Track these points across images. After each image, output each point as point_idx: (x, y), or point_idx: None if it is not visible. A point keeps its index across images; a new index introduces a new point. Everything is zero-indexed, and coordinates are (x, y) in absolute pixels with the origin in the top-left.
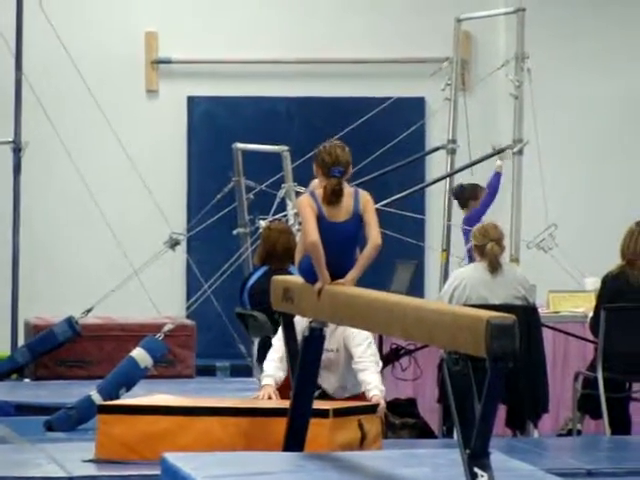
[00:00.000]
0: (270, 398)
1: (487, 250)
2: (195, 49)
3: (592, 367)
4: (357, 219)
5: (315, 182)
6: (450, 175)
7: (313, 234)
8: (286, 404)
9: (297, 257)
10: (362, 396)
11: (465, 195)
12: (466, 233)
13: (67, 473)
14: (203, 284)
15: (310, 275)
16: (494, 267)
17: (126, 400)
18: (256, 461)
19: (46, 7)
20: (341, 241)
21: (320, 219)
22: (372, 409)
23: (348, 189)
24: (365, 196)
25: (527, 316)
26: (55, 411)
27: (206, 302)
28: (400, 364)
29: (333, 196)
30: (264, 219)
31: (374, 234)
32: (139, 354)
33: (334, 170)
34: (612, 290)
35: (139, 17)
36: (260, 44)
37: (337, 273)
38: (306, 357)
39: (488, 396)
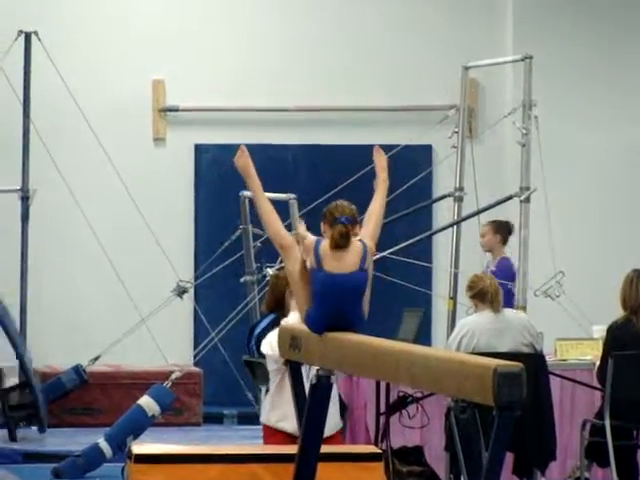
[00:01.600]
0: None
1: (486, 288)
2: (202, 97)
3: (599, 415)
4: (363, 270)
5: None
6: (457, 223)
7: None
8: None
9: (299, 308)
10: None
11: (510, 230)
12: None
13: None
14: (210, 332)
15: (317, 326)
16: (497, 304)
17: (161, 448)
18: None
19: (54, 55)
20: (345, 293)
21: (318, 268)
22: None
23: (356, 242)
24: (370, 246)
25: (534, 363)
26: (63, 459)
27: (213, 350)
28: (407, 412)
29: (340, 239)
30: (271, 267)
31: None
32: (147, 402)
33: (341, 218)
34: (618, 339)
35: (146, 65)
36: (267, 92)
37: (341, 325)
38: (313, 404)
39: (495, 444)
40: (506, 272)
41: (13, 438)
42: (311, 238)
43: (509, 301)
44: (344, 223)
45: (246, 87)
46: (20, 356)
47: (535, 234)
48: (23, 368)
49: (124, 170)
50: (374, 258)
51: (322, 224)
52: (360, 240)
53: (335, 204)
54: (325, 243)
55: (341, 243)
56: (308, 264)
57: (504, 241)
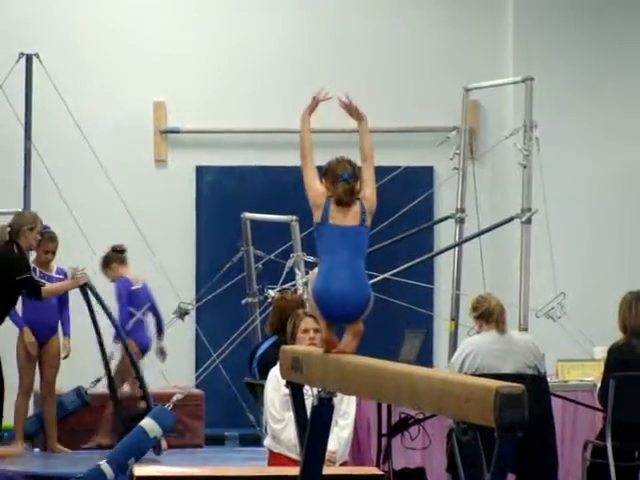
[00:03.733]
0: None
1: (492, 308)
2: (204, 119)
3: (601, 436)
4: (364, 226)
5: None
6: (459, 244)
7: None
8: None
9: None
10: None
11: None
12: None
13: None
14: (212, 353)
15: (322, 294)
16: (502, 325)
17: (163, 469)
18: None
19: (55, 77)
20: (349, 244)
21: (324, 220)
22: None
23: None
24: (367, 199)
25: (536, 385)
26: None
27: (215, 371)
28: (409, 433)
29: (345, 195)
30: (273, 289)
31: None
32: (148, 424)
33: (343, 175)
34: (619, 361)
35: (148, 87)
36: (268, 114)
37: (346, 288)
38: (315, 427)
39: (497, 466)
40: (120, 292)
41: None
42: (324, 190)
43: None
44: (347, 180)
45: (248, 109)
46: None
47: (536, 255)
48: None
49: (125, 192)
50: (378, 279)
51: (323, 180)
52: (358, 199)
53: (336, 160)
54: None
55: (346, 200)
56: (314, 219)
57: (120, 261)
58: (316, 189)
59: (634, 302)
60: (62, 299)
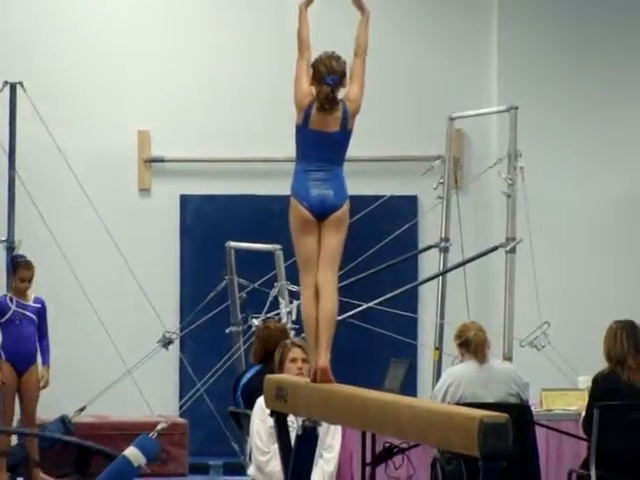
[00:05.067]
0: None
1: (471, 338)
2: (188, 148)
3: (585, 465)
4: (345, 131)
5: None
6: (443, 273)
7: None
8: None
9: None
10: None
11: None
12: None
13: None
14: (196, 382)
15: (300, 190)
16: (481, 356)
17: None
18: None
19: (39, 106)
20: (324, 150)
21: (304, 124)
22: None
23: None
24: (351, 101)
25: (520, 414)
26: None
27: (199, 400)
28: (393, 462)
29: (326, 102)
30: (257, 317)
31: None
32: (132, 453)
33: (327, 78)
34: (603, 390)
35: (132, 116)
36: (252, 142)
37: (317, 190)
38: (299, 456)
39: None
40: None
41: None
42: (310, 92)
43: None
44: (330, 84)
45: (232, 137)
46: None
47: (521, 284)
48: None
49: (109, 220)
50: (362, 308)
51: (310, 76)
52: (341, 100)
53: (324, 59)
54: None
55: (327, 106)
56: (296, 120)
57: None
58: (301, 89)
59: (619, 331)
60: (41, 328)
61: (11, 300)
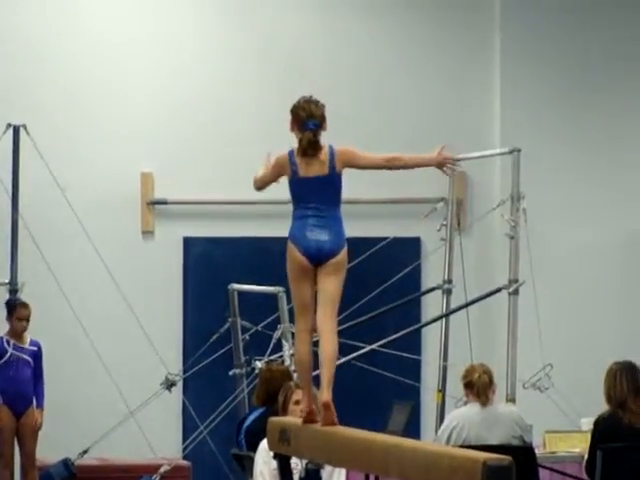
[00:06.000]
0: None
1: (475, 380)
2: (191, 190)
3: None
4: (334, 174)
5: None
6: (446, 315)
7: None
8: None
9: None
10: None
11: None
12: None
13: None
14: (199, 425)
15: (299, 237)
16: (484, 398)
17: None
18: None
19: (42, 147)
20: (317, 195)
21: (293, 175)
22: None
23: (324, 147)
24: (341, 149)
25: (524, 456)
26: None
27: (202, 443)
28: None
29: (309, 148)
30: (260, 360)
31: (375, 156)
32: None
33: (309, 123)
34: (604, 433)
35: (135, 158)
36: None
37: (314, 235)
38: None
39: None
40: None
41: None
42: (280, 154)
43: None
44: (312, 129)
45: (235, 180)
46: None
47: (524, 326)
48: None
49: (112, 263)
50: (366, 350)
51: (290, 122)
52: (329, 145)
53: (302, 104)
54: (297, 149)
55: (310, 152)
56: (287, 177)
57: None
58: (274, 160)
59: (619, 373)
60: (36, 370)
61: (8, 343)
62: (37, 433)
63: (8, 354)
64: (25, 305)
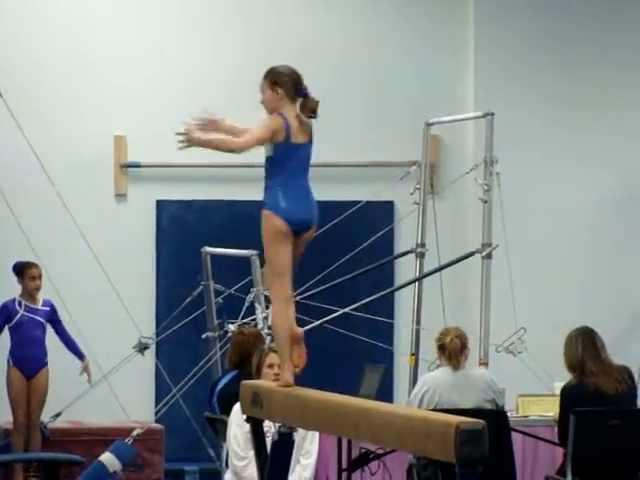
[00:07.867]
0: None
1: (447, 344)
2: (164, 153)
3: (561, 471)
4: (311, 143)
5: None
6: (419, 279)
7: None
8: None
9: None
10: None
11: None
12: None
13: None
14: (172, 388)
15: (290, 213)
16: (455, 361)
17: None
18: None
19: (15, 112)
20: (303, 162)
21: (286, 140)
22: None
23: None
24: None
25: (496, 420)
26: None
27: (175, 406)
28: (369, 468)
29: (314, 112)
30: (233, 323)
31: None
32: (108, 458)
33: (307, 90)
34: (572, 399)
35: (108, 121)
36: None
37: (307, 214)
38: (275, 462)
39: None
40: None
41: None
42: (275, 117)
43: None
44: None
45: None
46: None
47: (497, 290)
48: None
49: (85, 226)
50: (339, 313)
51: (269, 89)
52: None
53: (291, 71)
54: (291, 117)
55: (313, 115)
56: (271, 138)
57: None
58: (271, 122)
59: (574, 339)
60: (58, 328)
61: (19, 304)
62: (45, 397)
63: (19, 315)
64: (35, 264)
